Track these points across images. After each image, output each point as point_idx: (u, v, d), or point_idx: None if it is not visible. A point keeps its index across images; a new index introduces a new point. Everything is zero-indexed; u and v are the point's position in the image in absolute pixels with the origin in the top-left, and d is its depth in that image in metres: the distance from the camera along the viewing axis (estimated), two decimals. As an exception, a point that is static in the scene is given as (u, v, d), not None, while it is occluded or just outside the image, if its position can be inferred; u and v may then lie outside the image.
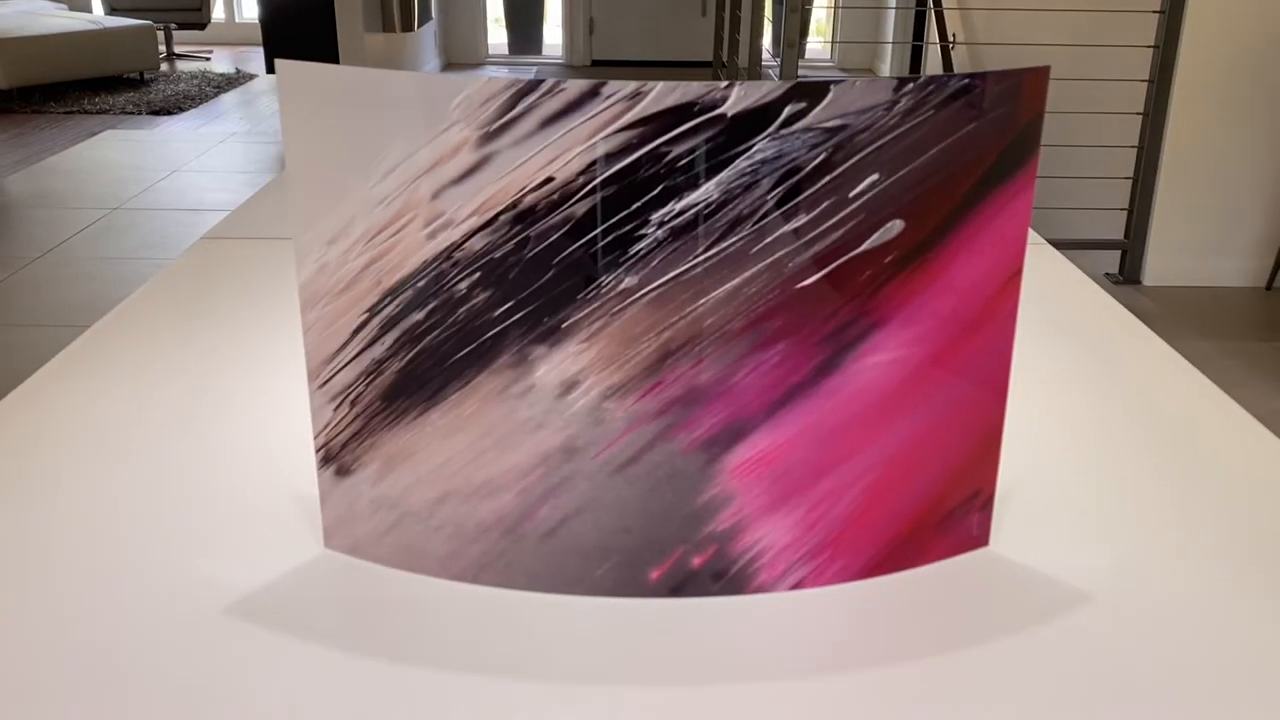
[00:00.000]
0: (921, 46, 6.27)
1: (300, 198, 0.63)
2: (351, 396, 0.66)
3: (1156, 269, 3.73)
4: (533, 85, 0.57)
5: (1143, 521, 0.75)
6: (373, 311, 0.64)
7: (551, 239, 0.60)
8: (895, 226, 0.61)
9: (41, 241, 3.78)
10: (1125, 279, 3.77)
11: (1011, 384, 0.94)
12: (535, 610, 0.65)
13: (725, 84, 0.56)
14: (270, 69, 6.57)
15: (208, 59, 8.49)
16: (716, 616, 0.65)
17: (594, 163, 0.58)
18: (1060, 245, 3.54)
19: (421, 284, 0.62)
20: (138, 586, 0.66)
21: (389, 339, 0.64)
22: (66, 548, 0.70)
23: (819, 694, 0.58)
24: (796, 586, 0.67)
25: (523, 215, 0.60)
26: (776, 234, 0.60)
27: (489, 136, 0.58)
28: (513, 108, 0.58)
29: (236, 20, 9.40)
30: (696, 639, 0.63)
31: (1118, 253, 3.79)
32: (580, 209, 0.59)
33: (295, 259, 0.64)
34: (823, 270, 0.61)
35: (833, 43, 8.20)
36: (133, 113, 6.50)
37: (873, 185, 0.60)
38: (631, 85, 0.56)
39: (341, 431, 0.67)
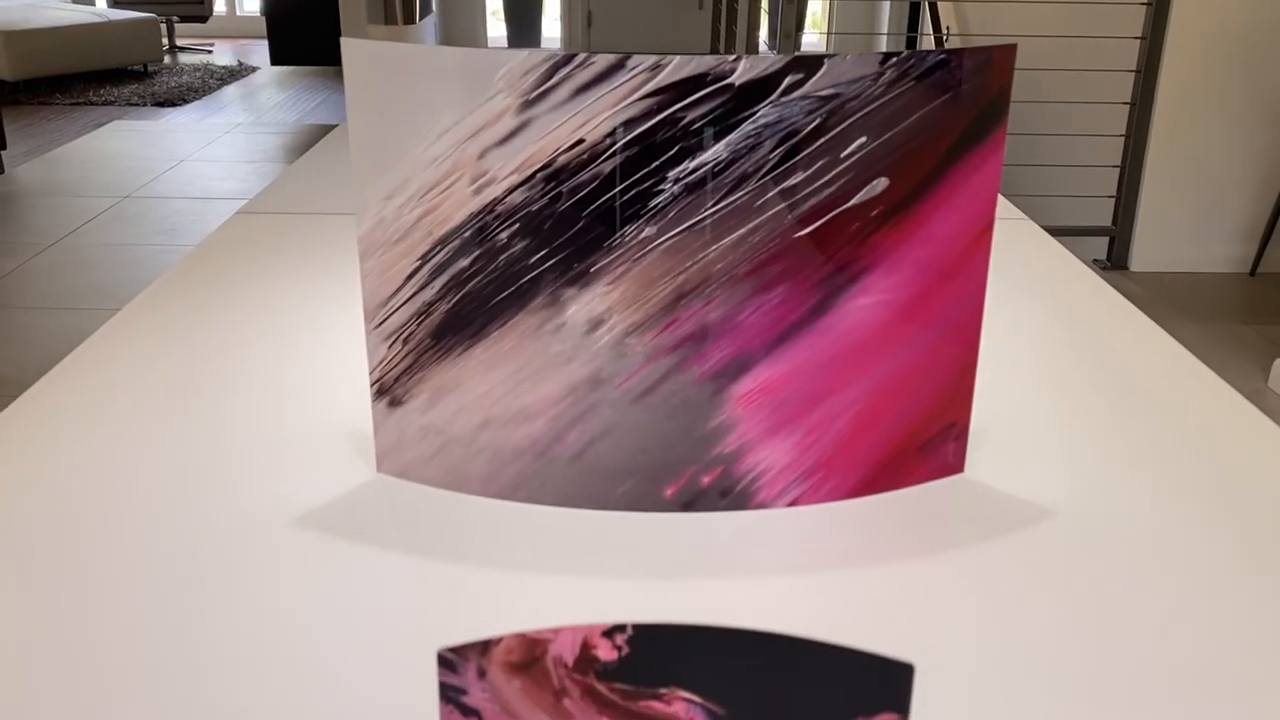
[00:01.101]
0: (916, 38, 6.36)
1: (361, 160, 0.72)
2: (404, 335, 0.75)
3: (1143, 255, 3.82)
4: (568, 58, 0.66)
5: (1100, 454, 0.84)
6: (424, 259, 0.73)
7: (581, 194, 0.69)
8: (881, 184, 0.70)
9: (54, 229, 3.87)
10: (1113, 265, 3.87)
11: (989, 341, 1.03)
12: (564, 524, 0.74)
13: (734, 57, 0.65)
14: (275, 61, 6.65)
15: (209, 52, 8.56)
16: (722, 529, 0.74)
17: (619, 126, 0.67)
18: (1050, 232, 3.63)
19: (467, 234, 0.71)
20: (219, 505, 0.75)
21: (438, 283, 0.73)
22: (156, 476, 0.79)
23: (811, 590, 0.68)
24: (793, 503, 0.76)
25: (556, 173, 0.69)
26: (777, 189, 0.69)
27: (528, 104, 0.67)
28: (549, 78, 0.67)
29: (238, 13, 9.47)
30: (705, 547, 0.72)
31: (1106, 239, 3.88)
32: (606, 167, 0.68)
33: (356, 214, 0.73)
34: (817, 222, 0.70)
35: (829, 34, 8.28)
36: (138, 104, 6.58)
37: (861, 147, 0.69)
38: (652, 58, 0.65)
39: (394, 367, 0.76)
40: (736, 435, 0.75)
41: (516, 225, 0.70)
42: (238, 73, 7.68)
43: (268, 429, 0.85)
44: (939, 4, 5.49)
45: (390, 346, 0.76)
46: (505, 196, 0.70)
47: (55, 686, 0.58)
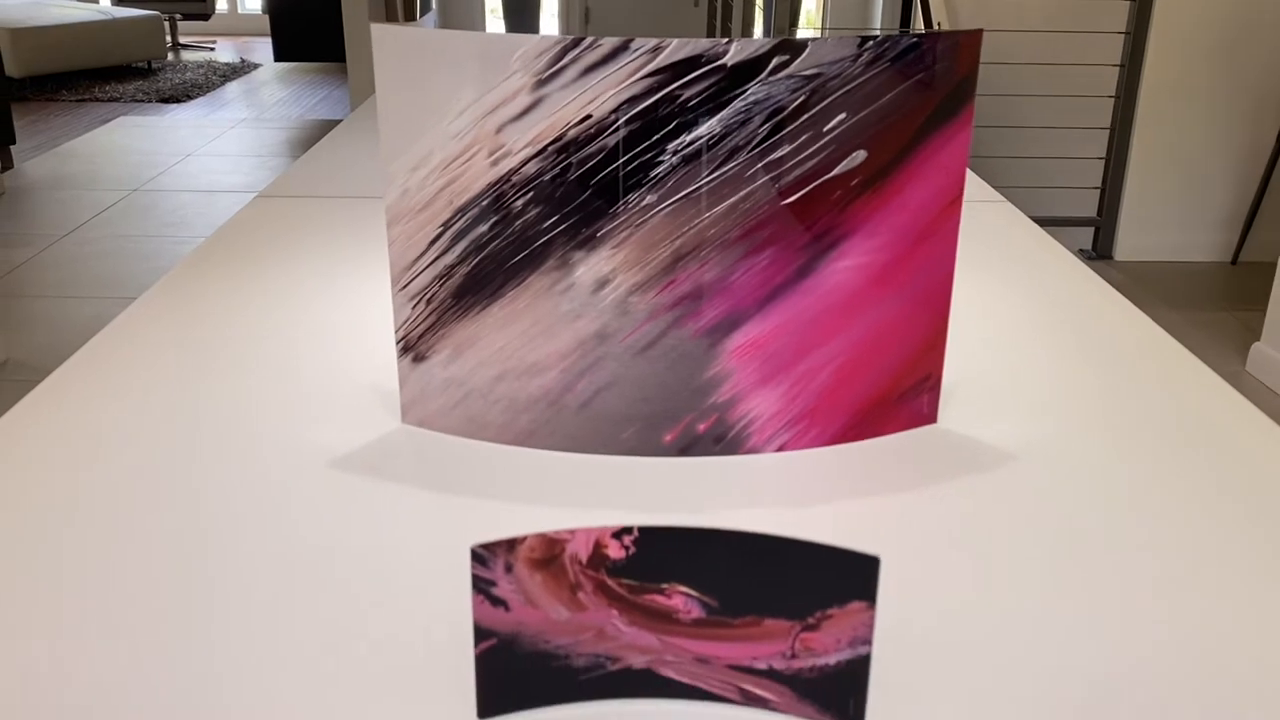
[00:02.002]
0: (906, 34, 6.40)
1: (389, 135, 0.79)
2: (427, 296, 0.83)
3: (1128, 245, 3.90)
4: (577, 41, 0.73)
5: (1064, 409, 0.92)
6: (446, 226, 0.80)
7: (589, 165, 0.76)
8: (859, 156, 0.78)
9: (65, 221, 3.94)
10: (1098, 255, 3.95)
11: (964, 309, 1.11)
12: (573, 467, 0.82)
13: (726, 40, 0.73)
14: (278, 57, 6.73)
15: (212, 49, 8.64)
16: (716, 472, 0.82)
17: (623, 103, 0.75)
18: (1037, 222, 3.69)
19: (485, 202, 0.79)
20: (259, 452, 0.83)
21: (458, 248, 0.81)
22: (199, 427, 0.86)
23: (797, 522, 0.75)
24: (781, 449, 0.84)
25: (567, 146, 0.76)
26: (765, 161, 0.77)
27: (541, 83, 0.75)
28: (560, 60, 0.74)
29: (239, 11, 9.54)
30: (700, 487, 0.80)
31: (1091, 229, 3.96)
32: (612, 140, 0.76)
33: (383, 184, 0.81)
34: (801, 191, 0.78)
35: (823, 30, 8.35)
36: (143, 100, 6.66)
37: (841, 122, 0.77)
38: (653, 41, 0.73)
39: (418, 325, 0.84)
40: (729, 386, 0.82)
41: (530, 194, 0.78)
42: (240, 70, 7.75)
43: (300, 386, 0.93)
44: (930, 1, 5.57)
45: (415, 306, 0.83)
46: (520, 167, 0.77)
47: (112, 614, 0.65)
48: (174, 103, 6.68)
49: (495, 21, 8.65)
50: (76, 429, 0.85)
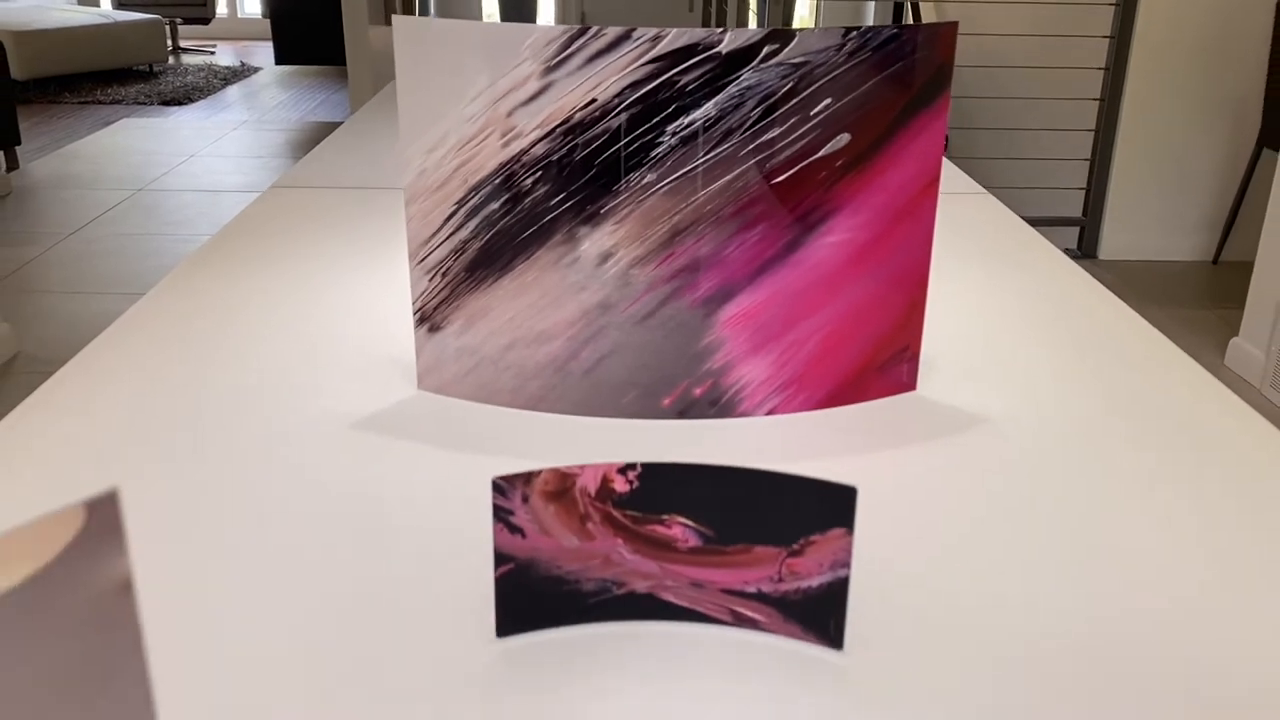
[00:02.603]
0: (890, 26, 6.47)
1: (407, 119, 0.86)
2: (442, 270, 0.89)
3: (1112, 244, 3.97)
4: (583, 31, 0.80)
5: (1036, 379, 0.98)
6: (460, 204, 0.87)
7: (593, 146, 0.83)
8: (843, 139, 0.84)
9: (72, 220, 4.00)
10: (1083, 254, 4.02)
11: (943, 289, 1.17)
12: (578, 429, 0.88)
13: (720, 30, 0.79)
14: (279, 60, 6.79)
15: (212, 53, 8.70)
16: (711, 433, 0.88)
17: (625, 88, 0.81)
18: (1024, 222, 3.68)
19: (497, 181, 0.85)
20: (286, 416, 0.89)
21: (472, 224, 0.87)
22: (228, 394, 0.93)
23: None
24: (771, 412, 0.90)
25: (573, 128, 0.83)
26: (756, 143, 0.83)
27: (549, 69, 0.81)
28: (568, 48, 0.81)
29: (239, 15, 9.60)
30: (697, 447, 0.86)
31: (1076, 229, 4.03)
32: (615, 123, 0.82)
33: (402, 165, 0.87)
34: (790, 171, 0.84)
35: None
36: (145, 103, 6.72)
37: (826, 107, 0.83)
38: (653, 31, 0.79)
39: (434, 297, 0.90)
40: (723, 354, 0.88)
41: (539, 173, 0.84)
42: (240, 73, 7.82)
43: (320, 360, 0.99)
44: (920, 5, 5.64)
45: (430, 280, 0.89)
46: (530, 149, 0.84)
47: (166, 556, 0.72)
48: (175, 105, 6.74)
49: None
50: (113, 398, 0.91)
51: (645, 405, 0.89)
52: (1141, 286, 3.61)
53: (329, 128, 5.94)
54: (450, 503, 0.76)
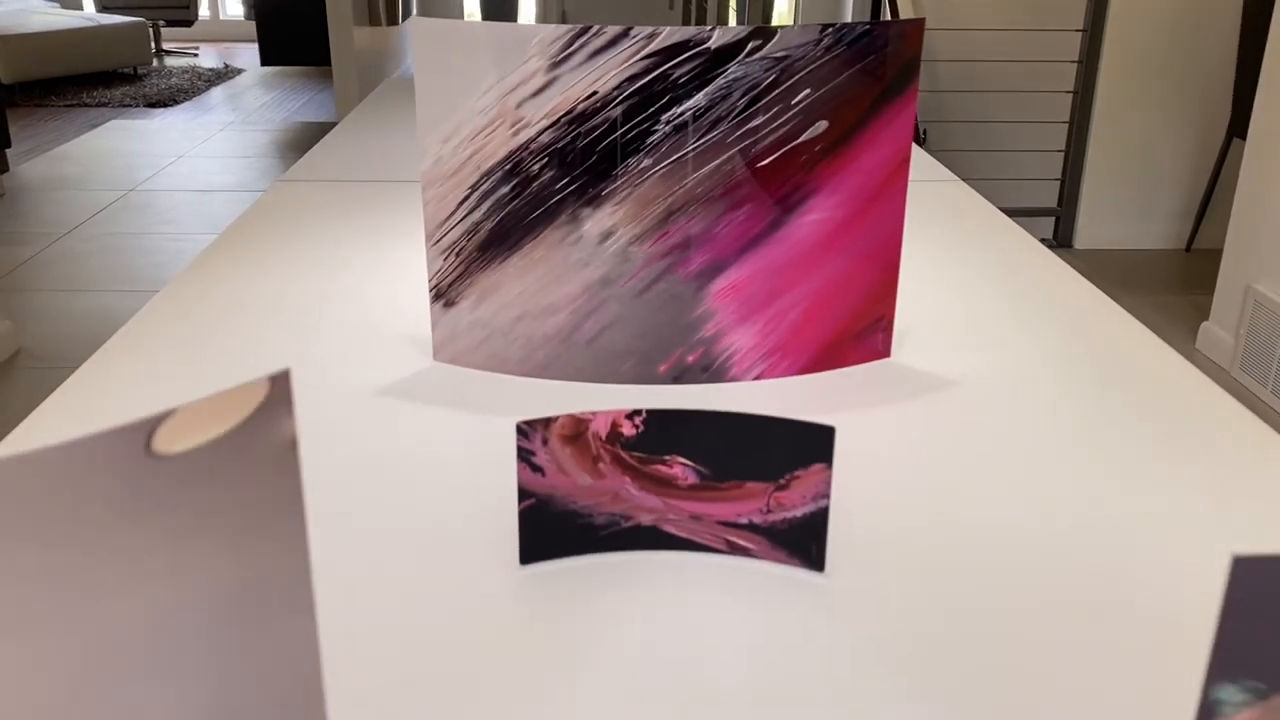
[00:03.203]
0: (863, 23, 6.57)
1: (424, 112, 0.94)
2: (456, 249, 0.97)
3: (1087, 234, 4.07)
4: (585, 29, 0.88)
5: (1004, 348, 1.07)
6: (473, 189, 0.95)
7: (594, 134, 0.91)
8: (821, 126, 0.93)
9: (64, 220, 4.06)
10: (1059, 244, 4.12)
11: (918, 267, 1.26)
12: (582, 395, 0.96)
13: (710, 27, 0.87)
14: (265, 61, 6.84)
15: (195, 55, 8.74)
16: (704, 396, 0.96)
17: (623, 81, 0.89)
18: (1001, 212, 3.80)
19: (507, 168, 0.93)
20: (311, 385, 0.97)
21: (484, 207, 0.95)
22: (258, 366, 1.01)
23: (773, 425, 0.90)
24: (758, 377, 0.99)
25: (577, 118, 0.91)
26: (742, 130, 0.91)
27: (555, 64, 0.90)
28: (571, 45, 0.89)
29: (221, 17, 9.64)
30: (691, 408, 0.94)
31: (1052, 219, 4.14)
32: (615, 113, 0.90)
33: (419, 154, 0.95)
34: (773, 155, 0.93)
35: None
36: (130, 105, 6.77)
37: (806, 96, 0.91)
38: (649, 29, 0.87)
39: (449, 275, 0.98)
40: (714, 323, 0.97)
41: (545, 160, 0.92)
42: (224, 74, 7.87)
43: (339, 337, 1.07)
44: (898, 1, 5.75)
45: (445, 259, 0.98)
46: (536, 137, 0.92)
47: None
48: (161, 107, 6.79)
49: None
50: (147, 376, 0.99)
51: (643, 372, 0.97)
52: (1116, 274, 3.72)
53: (315, 127, 6.01)
54: (470, 457, 0.84)
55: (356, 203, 1.49)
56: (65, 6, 8.51)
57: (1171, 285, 3.67)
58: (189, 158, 5.14)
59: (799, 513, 0.70)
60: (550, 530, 0.71)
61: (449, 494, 0.79)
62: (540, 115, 0.91)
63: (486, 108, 0.92)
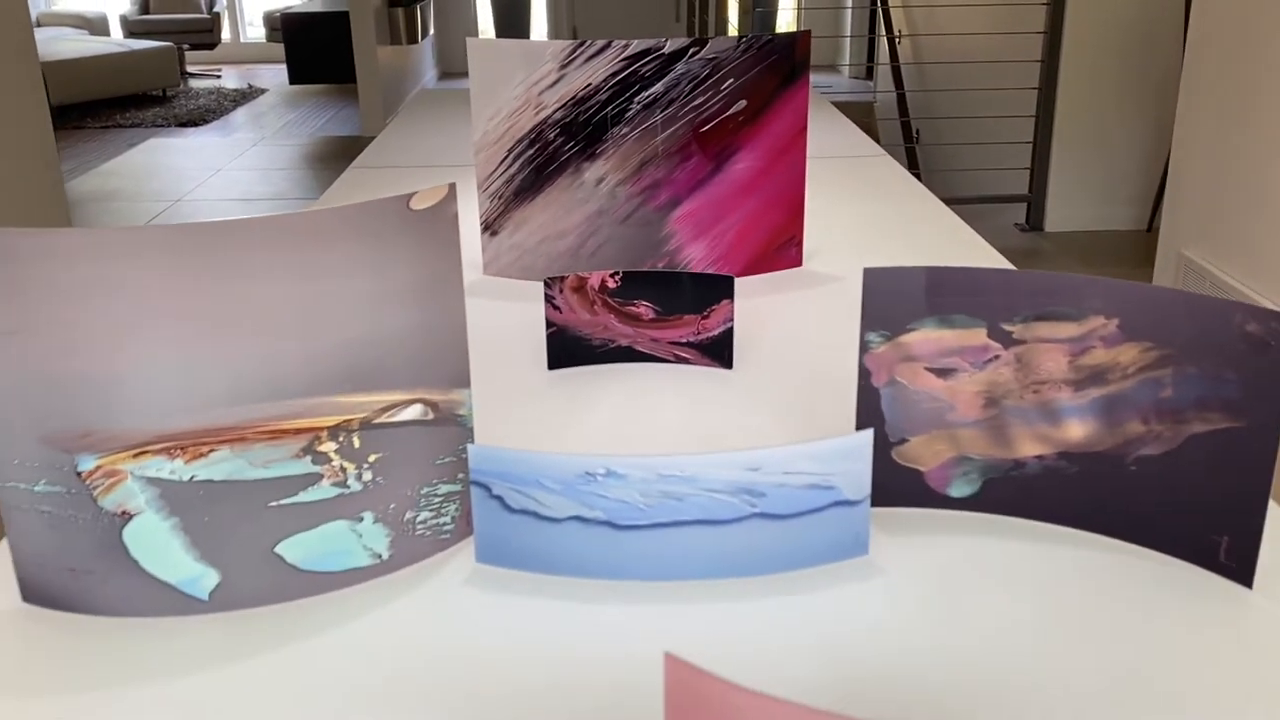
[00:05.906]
0: (873, 40, 7.06)
1: (477, 100, 1.39)
2: (498, 194, 1.42)
3: (1056, 217, 4.52)
4: (582, 43, 1.34)
5: (881, 258, 1.52)
6: (509, 151, 1.40)
7: (590, 111, 1.37)
8: (742, 104, 1.38)
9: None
10: (1031, 227, 4.56)
11: (827, 205, 1.71)
12: (586, 291, 1.42)
13: (664, 39, 1.33)
14: (293, 80, 7.32)
15: (218, 76, 9.23)
16: (670, 291, 1.41)
17: (609, 75, 1.35)
18: (975, 200, 4.44)
19: (532, 137, 1.39)
20: (402, 284, 1.43)
21: (517, 164, 1.41)
22: (361, 275, 1.46)
23: (713, 302, 1.35)
24: (707, 278, 1.44)
25: (578, 101, 1.36)
26: (688, 106, 1.37)
27: (564, 65, 1.35)
28: (574, 52, 1.35)
29: (242, 40, 10.14)
30: (661, 294, 1.39)
31: (1024, 205, 4.59)
32: (605, 96, 1.36)
33: (472, 127, 1.41)
34: (711, 123, 1.38)
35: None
36: (163, 125, 7.25)
37: (731, 84, 1.37)
38: (624, 41, 1.33)
39: (494, 213, 1.43)
40: (675, 241, 1.42)
41: (558, 130, 1.38)
42: (248, 94, 8.35)
43: (417, 258, 1.52)
44: (890, 11, 6.22)
45: (491, 201, 1.43)
46: (552, 115, 1.37)
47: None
48: (191, 126, 7.27)
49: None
50: (293, 280, 1.45)
51: (627, 275, 1.43)
52: (1083, 253, 4.16)
53: (341, 140, 6.48)
54: (511, 326, 1.30)
55: (412, 184, 1.95)
56: (94, 33, 9.02)
57: (1134, 261, 4.11)
58: (228, 170, 5.61)
59: (716, 332, 1.15)
60: (566, 347, 1.16)
61: (501, 336, 1.25)
62: (554, 100, 1.37)
63: (517, 96, 1.38)
